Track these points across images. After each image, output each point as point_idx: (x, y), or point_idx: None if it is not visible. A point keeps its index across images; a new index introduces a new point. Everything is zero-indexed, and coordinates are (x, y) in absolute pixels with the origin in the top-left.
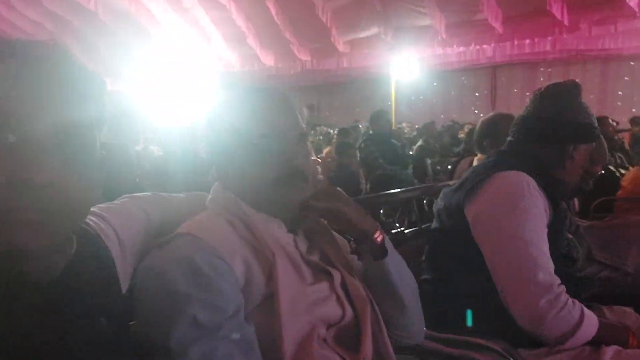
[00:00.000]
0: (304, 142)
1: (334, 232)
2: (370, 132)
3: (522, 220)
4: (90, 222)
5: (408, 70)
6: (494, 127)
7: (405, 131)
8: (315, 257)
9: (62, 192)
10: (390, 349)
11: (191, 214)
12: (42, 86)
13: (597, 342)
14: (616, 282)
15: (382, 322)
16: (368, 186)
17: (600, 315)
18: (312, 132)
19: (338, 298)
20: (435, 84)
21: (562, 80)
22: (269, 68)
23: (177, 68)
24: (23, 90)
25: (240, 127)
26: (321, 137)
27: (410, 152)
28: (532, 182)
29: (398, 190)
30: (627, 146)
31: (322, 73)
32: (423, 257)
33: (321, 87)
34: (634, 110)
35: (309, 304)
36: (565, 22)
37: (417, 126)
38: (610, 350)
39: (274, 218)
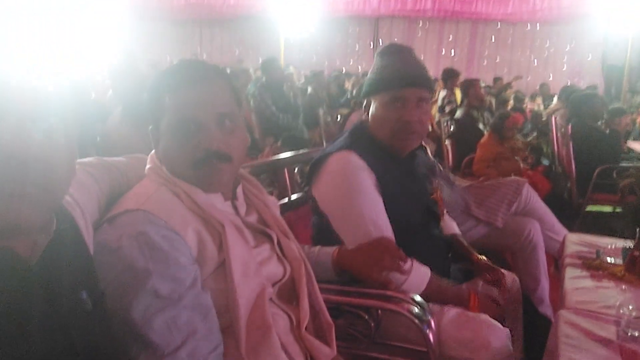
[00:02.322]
0: (231, 120)
1: (266, 193)
2: (264, 79)
3: (359, 200)
4: None
5: (296, 14)
6: None
7: (294, 77)
8: (253, 219)
9: (46, 166)
10: (323, 304)
11: (137, 179)
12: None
13: (444, 303)
14: (489, 236)
15: (314, 279)
16: (279, 144)
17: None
18: None
19: (278, 257)
20: (322, 30)
21: None
22: None
23: None
24: None
25: (161, 111)
26: None
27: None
28: (355, 160)
29: (307, 150)
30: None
31: (206, 7)
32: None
33: (203, 22)
34: (497, 70)
35: (257, 266)
36: None
37: (302, 72)
38: (450, 312)
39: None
